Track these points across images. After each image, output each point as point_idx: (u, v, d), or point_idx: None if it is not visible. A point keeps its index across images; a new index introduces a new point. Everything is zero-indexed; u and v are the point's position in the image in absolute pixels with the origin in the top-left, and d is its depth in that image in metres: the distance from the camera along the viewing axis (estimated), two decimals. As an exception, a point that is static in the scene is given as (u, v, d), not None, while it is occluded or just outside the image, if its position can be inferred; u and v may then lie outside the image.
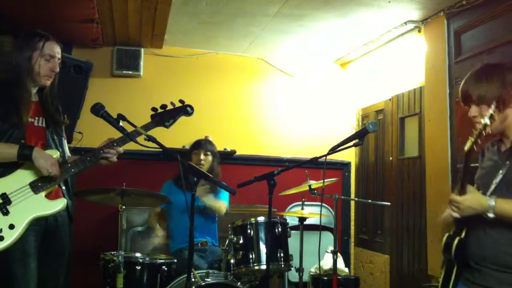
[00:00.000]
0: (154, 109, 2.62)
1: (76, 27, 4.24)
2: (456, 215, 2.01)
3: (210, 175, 2.98)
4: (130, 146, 2.59)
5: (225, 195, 4.12)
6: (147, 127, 2.59)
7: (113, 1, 3.89)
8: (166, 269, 3.30)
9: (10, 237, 2.31)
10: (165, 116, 2.64)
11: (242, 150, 5.25)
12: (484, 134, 1.88)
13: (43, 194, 2.44)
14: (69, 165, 2.51)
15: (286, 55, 5.45)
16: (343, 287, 4.40)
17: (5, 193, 2.36)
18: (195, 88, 5.22)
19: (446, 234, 2.15)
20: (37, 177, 2.43)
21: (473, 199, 1.98)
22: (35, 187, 2.42)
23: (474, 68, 2.16)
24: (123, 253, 3.15)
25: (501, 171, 2.03)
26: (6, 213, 2.34)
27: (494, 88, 2.04)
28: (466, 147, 1.93)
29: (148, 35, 4.73)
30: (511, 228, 1.96)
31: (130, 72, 5.00)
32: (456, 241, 2.08)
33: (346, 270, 4.80)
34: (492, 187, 2.04)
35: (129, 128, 2.47)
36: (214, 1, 4.07)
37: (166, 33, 4.71)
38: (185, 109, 2.68)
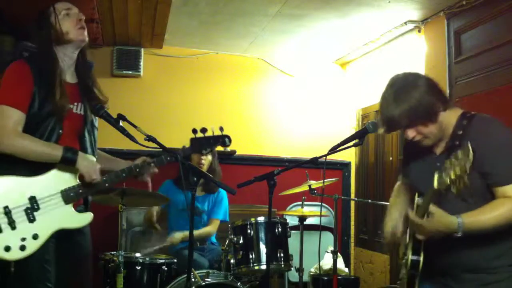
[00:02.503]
0: (194, 131, 2.49)
1: (76, 27, 4.24)
2: (420, 237, 1.94)
3: (210, 175, 2.98)
4: (131, 146, 2.58)
5: (224, 199, 4.11)
6: (184, 150, 2.50)
7: (113, 1, 3.89)
8: (166, 269, 3.30)
9: (32, 248, 2.11)
10: (203, 143, 2.54)
11: (242, 150, 5.24)
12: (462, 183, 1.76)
13: (71, 205, 2.24)
14: (104, 178, 2.32)
15: (286, 55, 5.45)
16: (343, 287, 4.39)
17: (34, 197, 2.15)
18: (195, 88, 5.23)
19: (410, 246, 2.06)
20: (70, 184, 2.23)
21: (439, 222, 1.87)
22: (66, 196, 2.21)
23: (388, 89, 2.06)
24: (123, 253, 3.15)
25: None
26: (32, 220, 2.13)
27: (418, 105, 1.93)
28: (437, 186, 1.79)
29: (148, 35, 4.74)
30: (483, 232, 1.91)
31: (130, 72, 5.01)
32: (422, 259, 2.01)
33: (346, 270, 4.80)
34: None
35: (129, 128, 2.46)
36: (214, 1, 4.07)
37: (166, 33, 4.71)
38: (223, 141, 2.58)
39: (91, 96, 2.43)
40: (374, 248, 5.09)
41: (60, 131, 2.25)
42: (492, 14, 3.60)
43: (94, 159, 2.37)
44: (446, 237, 1.89)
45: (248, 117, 5.41)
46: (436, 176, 1.79)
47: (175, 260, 3.42)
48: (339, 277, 4.23)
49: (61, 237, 2.23)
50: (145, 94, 5.07)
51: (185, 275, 2.73)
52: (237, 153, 5.17)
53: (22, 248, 2.09)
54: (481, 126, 1.96)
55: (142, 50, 5.03)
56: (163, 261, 3.35)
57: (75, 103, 2.36)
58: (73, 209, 2.26)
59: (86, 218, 2.31)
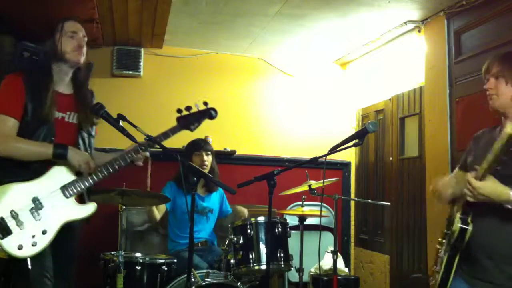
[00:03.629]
0: (179, 110, 2.56)
1: (76, 27, 4.24)
2: (471, 199, 1.96)
3: (210, 175, 2.98)
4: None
5: (223, 193, 4.13)
6: (174, 130, 2.56)
7: (113, 1, 3.89)
8: (166, 269, 3.30)
9: (43, 243, 2.32)
10: (190, 120, 2.59)
11: (242, 150, 5.25)
12: None
13: (73, 198, 2.42)
14: (99, 169, 2.48)
15: (286, 55, 5.45)
16: (343, 287, 4.39)
17: (36, 197, 2.34)
18: (195, 88, 5.22)
19: (459, 216, 2.06)
20: (68, 180, 2.41)
21: (492, 187, 1.92)
22: (66, 191, 2.40)
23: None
24: (123, 253, 3.15)
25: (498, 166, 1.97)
26: (38, 218, 2.33)
27: None
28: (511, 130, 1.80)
29: (148, 35, 4.74)
30: None
31: (130, 72, 5.00)
32: (471, 229, 2.02)
33: (346, 270, 4.80)
34: (485, 168, 1.98)
35: (129, 128, 2.47)
36: (214, 1, 4.07)
37: (166, 33, 4.71)
38: (209, 113, 2.65)
39: (86, 106, 2.58)
40: (374, 248, 5.09)
41: (52, 138, 2.43)
42: (492, 14, 3.60)
43: (86, 153, 2.50)
44: (494, 212, 1.93)
45: (248, 117, 5.41)
46: (509, 125, 1.80)
47: (175, 260, 3.42)
48: (339, 277, 4.23)
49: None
50: (145, 94, 5.06)
51: (185, 275, 2.73)
52: (237, 153, 5.17)
53: (34, 244, 2.30)
54: None
55: (142, 50, 5.03)
56: (163, 261, 3.35)
57: (68, 112, 2.54)
58: (75, 201, 2.44)
59: (90, 208, 2.49)
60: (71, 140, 2.50)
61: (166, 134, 2.54)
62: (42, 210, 2.34)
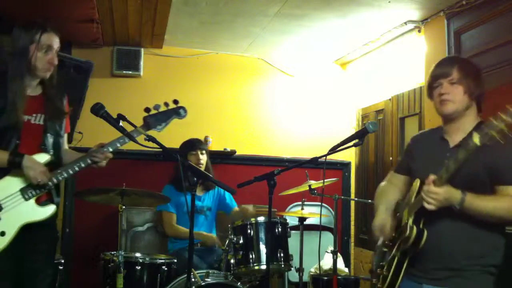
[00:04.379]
0: (147, 109, 2.55)
1: (76, 27, 4.24)
2: (431, 207, 1.99)
3: (211, 176, 2.98)
4: (130, 146, 2.59)
5: (218, 192, 4.13)
6: (139, 131, 2.52)
7: (113, 1, 3.89)
8: (166, 269, 3.30)
9: (1, 244, 2.32)
10: (158, 118, 2.56)
11: (242, 150, 5.24)
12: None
13: (33, 200, 2.42)
14: (59, 170, 2.48)
15: (286, 55, 5.45)
16: (343, 287, 4.39)
17: None
18: (195, 88, 5.22)
19: (411, 223, 2.13)
20: (27, 183, 2.41)
21: (448, 191, 1.97)
22: (25, 193, 2.40)
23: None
24: (123, 253, 3.15)
25: (451, 161, 1.98)
26: None
27: (474, 76, 2.13)
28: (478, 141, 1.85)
29: (148, 35, 4.74)
30: (470, 224, 2.00)
31: (130, 72, 5.00)
32: (426, 233, 2.08)
33: (346, 270, 4.80)
34: (445, 175, 2.01)
35: (129, 128, 2.47)
36: (214, 1, 4.07)
37: (166, 33, 4.71)
38: (177, 112, 2.58)
39: (53, 106, 2.55)
40: (374, 248, 5.07)
41: (18, 141, 2.41)
42: (492, 14, 3.60)
43: (46, 158, 2.46)
44: (444, 214, 1.99)
45: (248, 117, 5.41)
46: (476, 135, 1.84)
47: (175, 260, 3.42)
48: (339, 277, 4.23)
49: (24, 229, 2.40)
50: (145, 94, 5.06)
51: (185, 275, 2.73)
52: (237, 153, 5.17)
53: None
54: None
55: (142, 50, 5.02)
56: (163, 261, 3.35)
57: (34, 114, 2.50)
58: (35, 204, 2.43)
59: (48, 210, 2.48)
60: (37, 142, 2.49)
61: (130, 136, 2.46)
62: (1, 212, 2.34)
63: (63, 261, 3.42)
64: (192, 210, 2.38)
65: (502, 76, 3.50)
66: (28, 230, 2.41)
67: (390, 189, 2.42)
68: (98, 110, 2.45)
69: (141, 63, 5.02)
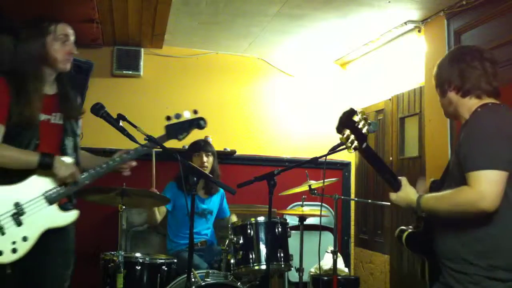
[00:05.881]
0: (168, 118, 2.54)
1: (76, 27, 4.20)
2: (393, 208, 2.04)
3: (210, 175, 2.98)
4: (131, 146, 2.59)
5: (224, 196, 4.13)
6: (161, 139, 2.52)
7: (113, 1, 3.89)
8: (166, 269, 3.30)
9: (23, 250, 2.25)
10: (178, 129, 2.55)
11: (242, 150, 5.25)
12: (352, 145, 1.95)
13: (56, 205, 2.35)
14: (84, 175, 2.41)
15: (286, 55, 5.45)
16: (343, 287, 4.39)
17: (18, 203, 2.27)
18: (195, 88, 5.23)
19: (399, 228, 2.17)
20: (51, 186, 2.33)
21: (406, 195, 1.99)
22: (49, 197, 2.32)
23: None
24: (123, 253, 3.14)
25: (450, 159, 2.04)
26: (20, 224, 2.25)
27: (436, 78, 2.16)
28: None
29: (148, 35, 4.74)
30: (460, 224, 1.91)
31: (130, 72, 5.00)
32: (406, 234, 2.11)
33: (346, 270, 4.80)
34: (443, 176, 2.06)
35: (129, 128, 2.47)
36: (214, 1, 4.07)
37: (166, 33, 4.71)
38: (198, 123, 2.59)
39: (70, 105, 2.50)
40: (374, 248, 5.09)
41: (37, 141, 2.34)
42: (492, 14, 3.60)
43: (71, 160, 2.41)
44: (438, 221, 1.98)
45: (248, 117, 5.41)
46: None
47: (175, 260, 3.42)
48: (339, 277, 4.23)
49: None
50: (145, 94, 5.06)
51: (185, 275, 2.73)
52: (237, 153, 5.17)
53: (14, 250, 2.23)
54: (477, 114, 2.01)
55: (142, 50, 5.03)
56: (163, 261, 3.35)
57: (53, 114, 2.44)
58: (57, 208, 2.36)
59: (71, 216, 2.41)
60: (57, 143, 2.43)
61: (129, 136, 2.45)
62: (24, 216, 2.26)
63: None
64: (192, 210, 2.39)
65: (502, 76, 3.50)
66: (47, 234, 2.34)
67: None
68: (98, 110, 2.44)
69: (141, 63, 5.02)
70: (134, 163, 2.55)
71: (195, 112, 2.60)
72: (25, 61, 2.38)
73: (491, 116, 1.96)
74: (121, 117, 2.44)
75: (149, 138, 2.43)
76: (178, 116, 2.56)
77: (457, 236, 1.94)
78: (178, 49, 5.24)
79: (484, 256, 1.87)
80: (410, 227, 2.20)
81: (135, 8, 4.03)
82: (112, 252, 3.34)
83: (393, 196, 2.01)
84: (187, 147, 4.18)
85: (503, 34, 3.50)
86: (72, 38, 2.47)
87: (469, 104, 2.05)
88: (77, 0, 3.73)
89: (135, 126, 2.45)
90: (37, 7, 3.76)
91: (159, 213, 3.89)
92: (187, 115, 2.57)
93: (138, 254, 3.53)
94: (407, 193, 1.99)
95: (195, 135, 4.53)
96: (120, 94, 4.96)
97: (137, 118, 2.53)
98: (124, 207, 3.21)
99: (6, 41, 4.04)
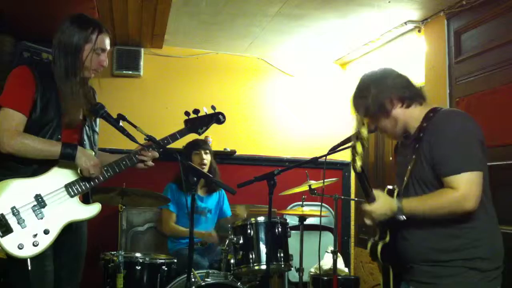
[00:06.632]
0: (187, 113, 2.55)
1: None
2: (369, 223, 2.06)
3: (210, 175, 2.98)
4: (131, 146, 2.59)
5: (225, 195, 4.14)
6: (182, 133, 2.54)
7: (113, 1, 3.89)
8: (166, 269, 3.30)
9: (45, 243, 2.19)
10: (198, 123, 2.58)
11: (242, 150, 5.25)
12: (361, 151, 2.00)
13: (78, 197, 2.32)
14: (105, 168, 2.39)
15: (286, 55, 5.45)
16: (343, 287, 4.39)
17: (39, 195, 2.22)
18: (195, 88, 5.22)
19: (370, 240, 2.21)
20: (73, 178, 2.30)
21: (384, 204, 2.02)
22: (70, 189, 2.29)
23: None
24: (123, 253, 3.15)
25: (409, 166, 2.06)
26: (41, 217, 2.21)
27: (371, 101, 2.18)
28: (358, 168, 2.07)
29: (148, 35, 4.74)
30: (436, 223, 1.97)
31: (130, 72, 5.00)
32: (380, 246, 2.12)
33: (346, 270, 4.80)
34: (404, 183, 2.08)
35: (129, 128, 2.47)
36: (214, 1, 4.07)
37: (166, 33, 4.71)
38: (217, 117, 2.65)
39: (90, 102, 2.48)
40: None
41: (59, 136, 2.31)
42: (492, 14, 3.60)
43: (93, 153, 2.41)
44: (406, 225, 2.00)
45: (248, 117, 5.41)
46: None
47: (175, 260, 3.42)
48: (339, 277, 4.23)
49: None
50: (145, 94, 5.06)
51: (185, 275, 2.73)
52: (237, 153, 5.17)
53: (36, 244, 2.18)
54: (441, 118, 2.03)
55: (142, 50, 5.03)
56: (163, 261, 3.35)
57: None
58: (79, 201, 2.33)
59: (94, 209, 2.38)
60: (77, 138, 2.42)
61: (174, 136, 2.49)
62: (45, 208, 2.22)
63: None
64: (192, 210, 2.38)
65: (502, 76, 3.51)
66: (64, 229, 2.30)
67: None
68: (98, 110, 2.44)
69: (141, 63, 5.02)
70: (156, 154, 2.51)
71: (213, 107, 2.65)
72: (65, 72, 2.34)
73: (461, 119, 2.02)
74: (121, 117, 2.44)
75: (149, 138, 2.43)
76: (196, 111, 2.58)
77: (433, 235, 1.99)
78: (178, 49, 5.24)
79: (462, 249, 1.95)
80: (374, 239, 2.22)
81: (135, 8, 4.03)
82: (112, 252, 3.34)
83: (368, 207, 2.04)
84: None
85: (503, 34, 3.50)
86: (108, 49, 2.46)
87: (416, 112, 2.12)
88: (77, 0, 3.73)
89: (135, 126, 2.44)
90: (37, 7, 3.76)
91: (171, 221, 3.93)
92: (205, 110, 2.61)
93: (138, 254, 3.53)
94: (384, 201, 2.03)
95: (192, 135, 4.57)
96: (120, 94, 4.96)
97: (137, 118, 2.53)
98: (124, 207, 3.21)
99: (6, 42, 4.04)
